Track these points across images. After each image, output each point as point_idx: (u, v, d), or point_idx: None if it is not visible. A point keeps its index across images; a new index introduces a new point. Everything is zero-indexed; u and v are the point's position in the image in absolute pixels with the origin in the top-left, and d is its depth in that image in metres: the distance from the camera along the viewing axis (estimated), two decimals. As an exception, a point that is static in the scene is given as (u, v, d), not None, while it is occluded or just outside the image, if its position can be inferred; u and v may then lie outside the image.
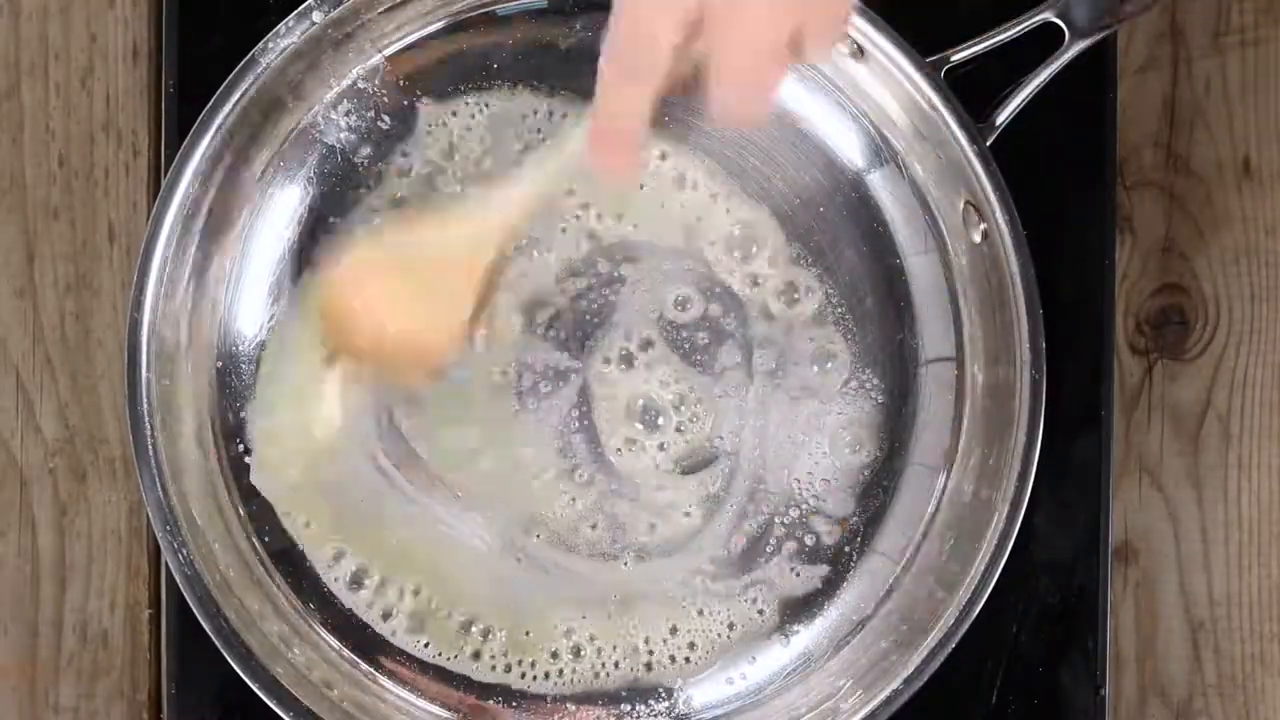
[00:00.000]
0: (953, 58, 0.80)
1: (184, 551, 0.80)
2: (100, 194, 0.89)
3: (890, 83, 0.81)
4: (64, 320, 0.89)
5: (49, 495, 0.89)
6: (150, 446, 0.80)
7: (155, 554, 0.88)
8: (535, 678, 0.86)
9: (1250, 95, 0.91)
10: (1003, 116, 0.80)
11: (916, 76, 0.79)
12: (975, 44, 0.80)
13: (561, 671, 0.86)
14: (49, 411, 0.89)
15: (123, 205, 0.89)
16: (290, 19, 0.80)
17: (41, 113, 0.89)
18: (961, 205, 0.82)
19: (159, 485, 0.80)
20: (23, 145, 0.89)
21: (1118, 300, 0.89)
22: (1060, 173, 0.87)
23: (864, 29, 0.79)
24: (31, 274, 0.89)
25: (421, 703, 0.85)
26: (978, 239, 0.82)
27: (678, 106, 0.84)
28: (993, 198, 0.79)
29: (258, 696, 0.79)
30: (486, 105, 0.86)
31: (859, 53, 0.81)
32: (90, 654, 0.89)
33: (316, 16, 0.80)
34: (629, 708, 0.86)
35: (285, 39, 0.80)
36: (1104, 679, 0.86)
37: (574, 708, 0.86)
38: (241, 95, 0.80)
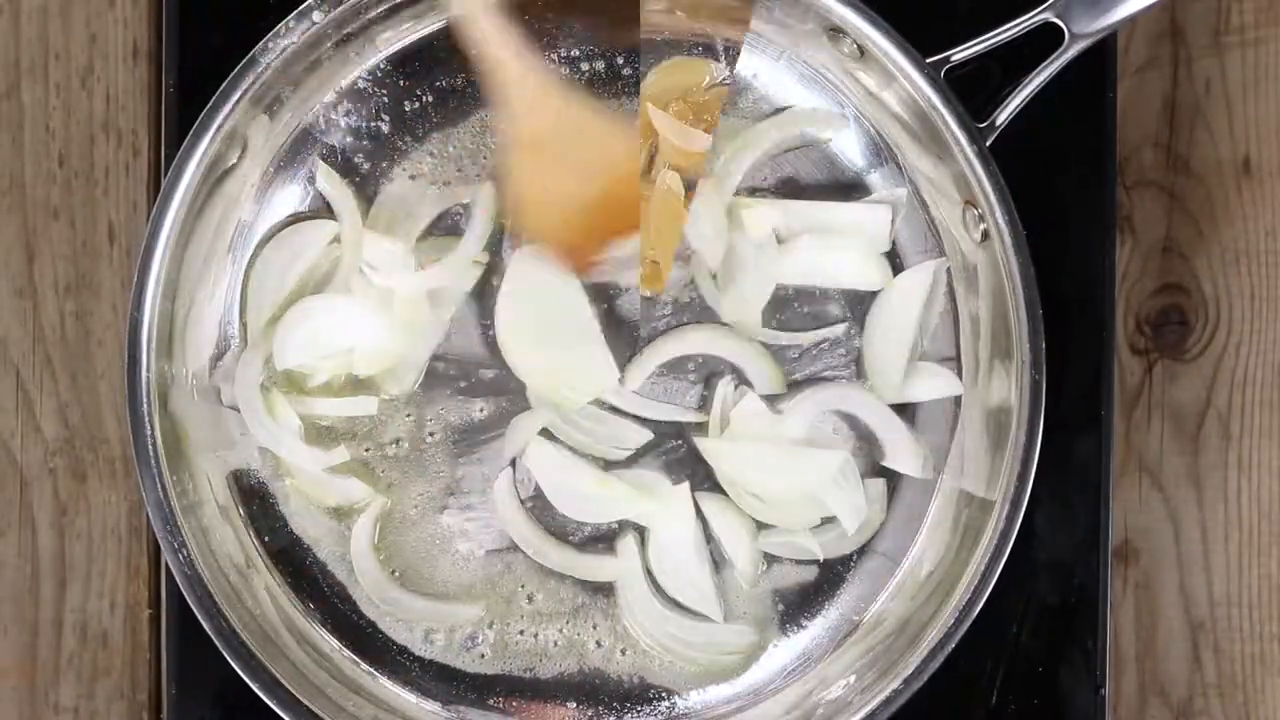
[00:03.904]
0: (953, 58, 0.80)
1: (184, 551, 0.80)
2: (100, 194, 0.89)
3: (890, 83, 0.81)
4: (64, 320, 0.89)
5: (49, 495, 0.89)
6: (150, 446, 0.80)
7: (155, 554, 0.88)
8: (536, 675, 0.86)
9: (1250, 95, 0.91)
10: (1003, 117, 0.80)
11: (917, 77, 0.79)
12: (975, 44, 0.80)
13: (563, 668, 0.86)
14: (49, 411, 0.89)
15: (123, 205, 0.89)
16: (290, 19, 0.80)
17: (41, 113, 0.89)
18: (961, 205, 0.82)
19: (159, 485, 0.80)
20: (23, 145, 0.89)
21: (1118, 300, 0.89)
22: (1060, 173, 0.87)
23: (864, 29, 0.79)
24: (31, 274, 0.89)
25: (421, 700, 0.86)
26: (978, 239, 0.82)
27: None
28: (993, 198, 0.79)
29: (258, 696, 0.79)
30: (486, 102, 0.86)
31: (859, 53, 0.81)
32: (90, 654, 0.89)
33: (317, 16, 0.80)
34: (629, 705, 0.86)
35: (285, 39, 0.80)
36: (1104, 678, 0.87)
37: (574, 705, 0.86)
38: (241, 95, 0.80)
